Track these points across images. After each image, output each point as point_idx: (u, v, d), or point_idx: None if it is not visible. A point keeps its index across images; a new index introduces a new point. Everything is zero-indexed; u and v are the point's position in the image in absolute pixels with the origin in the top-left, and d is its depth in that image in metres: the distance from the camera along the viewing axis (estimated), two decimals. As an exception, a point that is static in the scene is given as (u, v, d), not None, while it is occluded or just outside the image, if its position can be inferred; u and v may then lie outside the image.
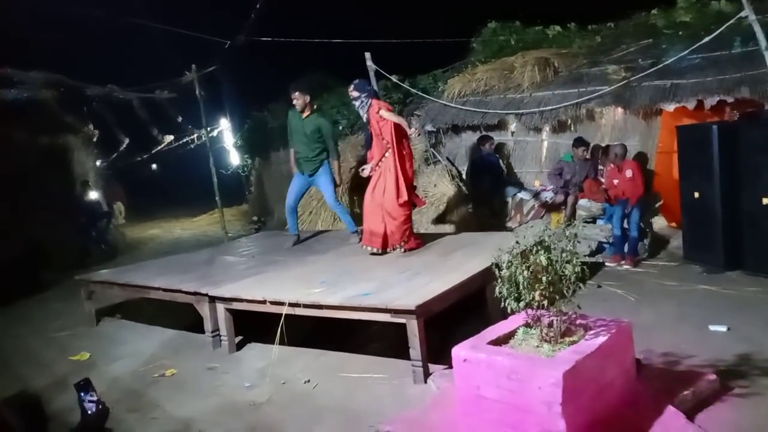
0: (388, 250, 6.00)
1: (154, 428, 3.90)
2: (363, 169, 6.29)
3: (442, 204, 8.41)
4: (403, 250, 5.98)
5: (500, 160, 9.26)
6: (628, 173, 6.99)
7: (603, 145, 8.20)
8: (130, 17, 10.60)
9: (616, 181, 7.12)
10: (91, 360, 5.37)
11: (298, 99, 6.65)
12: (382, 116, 5.91)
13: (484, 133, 9.39)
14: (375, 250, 5.98)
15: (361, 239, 6.35)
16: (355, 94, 6.02)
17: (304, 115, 6.71)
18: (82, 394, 3.89)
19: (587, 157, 8.00)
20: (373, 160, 6.13)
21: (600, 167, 8.10)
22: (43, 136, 10.69)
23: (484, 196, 8.93)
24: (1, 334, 6.49)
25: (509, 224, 8.69)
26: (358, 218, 6.89)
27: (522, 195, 8.83)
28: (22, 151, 9.98)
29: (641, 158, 7.77)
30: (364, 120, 6.15)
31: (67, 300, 7.34)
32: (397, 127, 5.91)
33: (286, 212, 7.21)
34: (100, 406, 3.89)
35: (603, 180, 7.75)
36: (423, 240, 6.26)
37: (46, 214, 10.11)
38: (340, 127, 11.06)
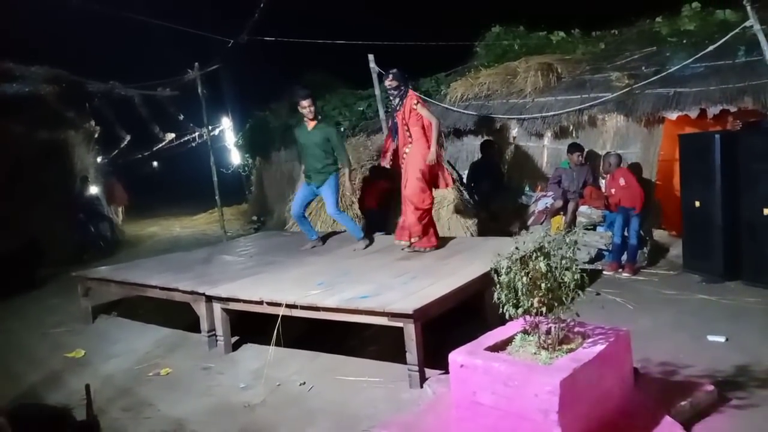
0: (400, 243, 6.15)
1: (147, 427, 3.88)
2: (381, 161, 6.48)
3: (442, 208, 8.38)
4: (426, 248, 6.05)
5: (500, 165, 9.25)
6: (621, 181, 7.02)
7: (603, 152, 8.18)
8: (133, 14, 10.57)
9: (613, 190, 7.14)
10: (86, 357, 5.34)
11: (310, 106, 6.51)
12: (417, 110, 5.99)
13: (486, 137, 9.38)
14: (404, 244, 6.10)
15: (367, 245, 6.53)
16: (394, 83, 6.10)
17: (310, 126, 6.61)
18: None
19: (582, 162, 7.98)
20: (389, 154, 6.29)
21: (602, 174, 8.08)
22: (44, 131, 10.65)
23: (484, 200, 8.92)
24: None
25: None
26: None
27: (522, 200, 8.82)
28: (22, 146, 9.95)
29: (636, 167, 7.76)
30: (396, 108, 6.18)
31: (63, 296, 7.31)
32: (429, 124, 6.02)
33: (295, 221, 7.17)
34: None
35: (603, 187, 7.74)
36: (438, 243, 6.24)
37: (44, 209, 10.09)
38: (342, 128, 11.05)
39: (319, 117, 6.78)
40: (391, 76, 6.15)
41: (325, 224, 8.99)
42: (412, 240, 6.08)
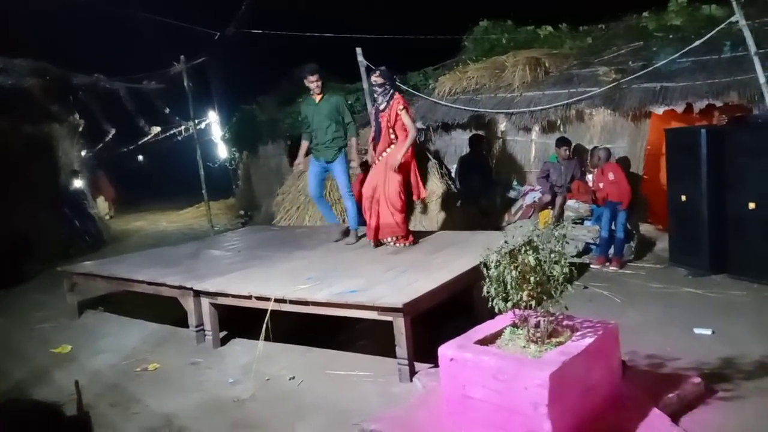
0: (382, 242, 6.11)
1: (135, 423, 3.85)
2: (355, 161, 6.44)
3: (431, 202, 8.40)
4: (405, 243, 6.05)
5: (489, 159, 9.27)
6: (610, 176, 7.06)
7: (591, 146, 8.23)
8: (119, 6, 10.47)
9: (601, 185, 7.17)
10: (73, 353, 5.29)
11: (317, 81, 6.38)
12: (400, 115, 5.94)
13: (474, 132, 9.39)
14: (371, 243, 6.09)
15: (358, 238, 6.48)
16: (380, 80, 6.01)
17: (318, 99, 6.48)
18: None
19: (570, 156, 8.02)
20: (375, 153, 6.20)
21: (589, 169, 8.12)
22: (28, 124, 10.51)
23: (473, 195, 8.94)
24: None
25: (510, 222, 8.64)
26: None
27: (510, 194, 8.86)
28: (5, 139, 9.81)
29: (625, 161, 7.80)
30: (380, 108, 6.09)
31: (49, 291, 7.24)
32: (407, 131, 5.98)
33: (315, 202, 6.98)
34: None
35: (591, 181, 7.78)
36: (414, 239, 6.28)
37: (29, 203, 9.96)
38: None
39: (325, 92, 6.61)
40: (378, 72, 6.08)
41: (313, 219, 8.98)
42: (396, 239, 6.08)
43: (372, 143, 6.27)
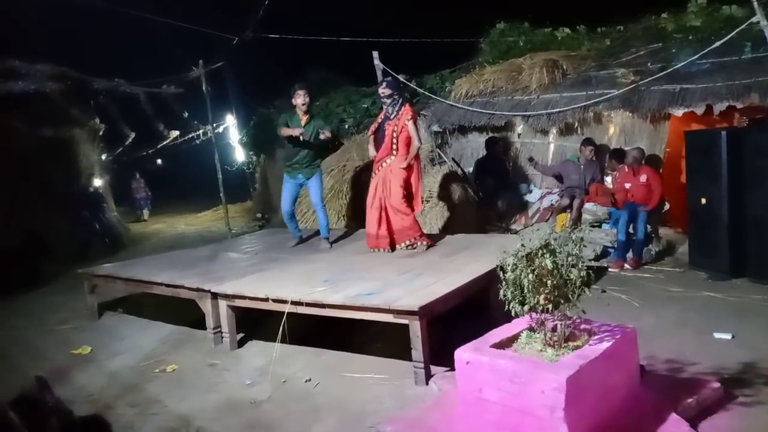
0: (398, 247, 6.11)
1: (153, 423, 3.89)
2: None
3: (447, 205, 8.39)
4: (424, 242, 6.07)
5: (506, 162, 9.23)
6: (643, 178, 6.99)
7: (611, 148, 8.17)
8: (138, 11, 10.60)
9: (628, 185, 7.10)
10: (92, 354, 5.36)
11: (304, 97, 6.59)
12: (407, 126, 5.96)
13: (491, 134, 9.37)
14: (383, 251, 6.07)
15: (330, 246, 6.71)
16: (387, 91, 6.06)
17: (303, 120, 6.66)
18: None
19: (593, 158, 7.97)
20: (376, 159, 6.19)
21: (607, 171, 8.07)
22: (49, 128, 10.67)
23: (489, 197, 8.91)
24: (3, 326, 6.48)
25: (514, 225, 8.65)
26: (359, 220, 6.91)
27: (528, 197, 8.82)
28: (27, 143, 9.98)
29: (656, 161, 7.72)
30: (389, 116, 6.12)
31: (68, 293, 7.33)
32: (411, 142, 6.02)
33: (284, 219, 7.23)
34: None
35: (609, 183, 7.72)
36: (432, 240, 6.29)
37: (49, 206, 10.11)
38: (346, 126, 11.03)
39: (312, 112, 6.87)
40: (384, 83, 6.16)
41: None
42: (413, 240, 6.08)
43: (373, 136, 6.30)
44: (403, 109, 6.05)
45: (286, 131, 6.62)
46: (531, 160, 8.92)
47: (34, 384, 2.97)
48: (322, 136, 6.56)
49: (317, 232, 7.07)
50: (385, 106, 6.21)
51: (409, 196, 6.17)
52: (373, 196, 6.15)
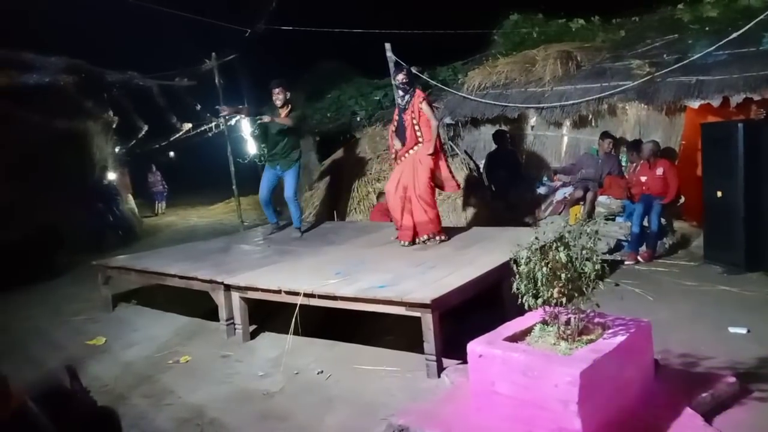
0: (417, 240, 6.07)
1: (167, 414, 3.92)
2: None
3: (459, 197, 8.36)
4: (441, 237, 6.06)
5: (518, 154, 9.18)
6: (659, 171, 6.93)
7: (627, 140, 8.09)
8: (151, 3, 10.61)
9: (644, 178, 7.03)
10: (107, 345, 5.41)
11: (281, 94, 6.92)
12: (421, 108, 5.99)
13: (501, 128, 9.31)
14: (405, 243, 6.04)
15: (303, 234, 7.09)
16: (407, 79, 6.16)
17: (283, 114, 6.96)
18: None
19: (611, 151, 7.90)
20: (400, 150, 6.18)
21: (623, 164, 8.00)
22: (63, 120, 10.72)
23: (501, 190, 8.87)
24: (18, 317, 6.55)
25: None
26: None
27: (540, 190, 8.77)
28: (42, 135, 10.04)
29: (671, 154, 7.65)
30: (403, 106, 6.15)
31: (83, 284, 7.39)
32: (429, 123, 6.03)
33: (261, 205, 7.55)
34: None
35: (625, 175, 7.64)
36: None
37: (63, 198, 10.19)
38: (358, 118, 11.01)
39: (289, 105, 7.11)
40: (405, 70, 6.26)
41: (340, 214, 9.02)
42: (431, 235, 6.06)
43: (392, 134, 6.31)
44: (414, 96, 6.07)
45: (263, 120, 7.13)
46: (555, 173, 8.85)
47: (64, 373, 3.01)
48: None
49: (331, 224, 7.14)
50: (397, 98, 6.24)
51: (437, 181, 6.20)
52: (397, 183, 6.11)
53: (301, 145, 7.23)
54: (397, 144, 6.25)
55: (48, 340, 5.70)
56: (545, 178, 9.02)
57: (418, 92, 6.13)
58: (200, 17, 11.01)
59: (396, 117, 6.29)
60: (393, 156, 6.41)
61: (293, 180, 7.14)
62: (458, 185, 6.48)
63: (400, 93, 6.20)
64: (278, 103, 6.96)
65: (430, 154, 5.97)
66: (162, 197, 17.75)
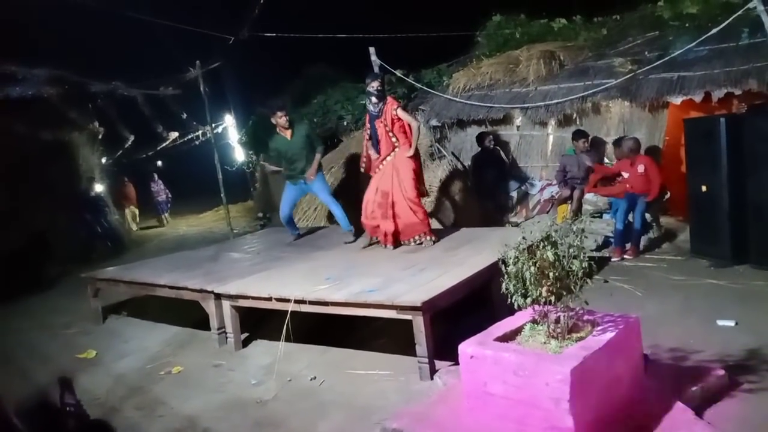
0: (403, 243, 6.11)
1: (160, 425, 3.91)
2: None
3: (447, 199, 8.38)
4: (430, 237, 6.08)
5: (503, 154, 9.22)
6: (640, 168, 6.92)
7: (610, 139, 8.15)
8: (134, 12, 10.57)
9: (626, 175, 7.07)
10: (98, 357, 5.38)
11: (284, 117, 6.89)
12: (398, 115, 6.00)
13: (483, 130, 9.35)
14: (390, 247, 6.06)
15: (355, 239, 6.65)
16: (381, 87, 6.13)
17: (288, 135, 6.93)
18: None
19: (588, 148, 7.95)
20: (375, 161, 6.19)
21: (606, 161, 8.05)
22: (48, 132, 10.68)
23: (488, 191, 8.90)
24: (8, 329, 6.50)
25: (513, 218, 8.67)
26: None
27: (526, 188, 8.81)
28: (27, 147, 9.98)
29: (654, 152, 7.70)
30: (375, 114, 6.13)
31: (72, 296, 7.35)
32: (410, 128, 6.08)
33: (283, 222, 7.37)
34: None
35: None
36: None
37: (51, 209, 10.13)
38: (345, 123, 11.02)
39: (292, 121, 7.12)
40: (380, 79, 6.22)
41: (331, 220, 9.01)
42: (422, 235, 6.08)
43: (367, 143, 6.31)
44: (386, 103, 6.08)
45: (269, 169, 7.24)
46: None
47: (57, 385, 3.02)
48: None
49: (319, 229, 7.11)
50: (369, 105, 6.20)
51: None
52: (375, 191, 6.14)
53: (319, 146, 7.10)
54: (373, 153, 6.26)
55: (38, 353, 5.66)
56: (532, 177, 9.06)
57: (390, 99, 6.17)
58: (183, 25, 10.98)
59: (368, 125, 6.29)
60: (363, 166, 6.44)
61: (322, 185, 7.13)
62: (426, 193, 6.53)
63: (374, 100, 6.10)
64: (286, 125, 6.94)
65: (410, 156, 6.00)
66: (166, 207, 17.48)
